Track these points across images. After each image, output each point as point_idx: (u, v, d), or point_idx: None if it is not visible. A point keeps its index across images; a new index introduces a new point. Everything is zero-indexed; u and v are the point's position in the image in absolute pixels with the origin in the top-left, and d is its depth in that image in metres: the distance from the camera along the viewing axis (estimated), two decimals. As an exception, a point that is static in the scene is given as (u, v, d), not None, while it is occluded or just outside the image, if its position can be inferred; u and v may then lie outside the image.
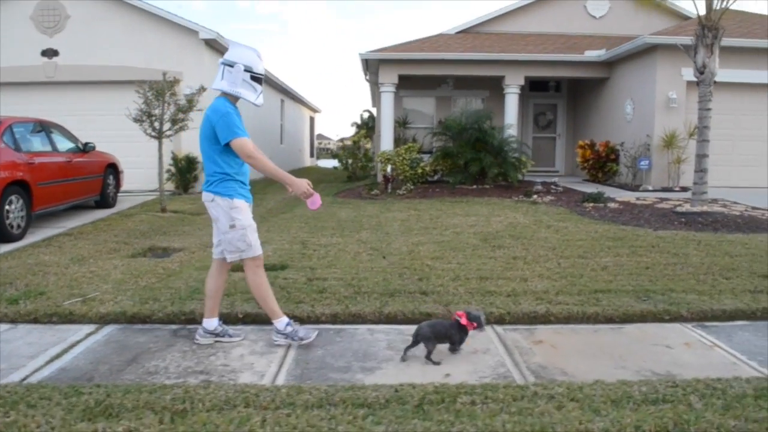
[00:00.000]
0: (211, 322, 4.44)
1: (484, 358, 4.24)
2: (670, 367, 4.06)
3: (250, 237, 4.19)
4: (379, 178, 15.61)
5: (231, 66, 4.13)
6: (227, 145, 4.04)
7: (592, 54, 15.89)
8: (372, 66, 17.22)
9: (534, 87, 19.08)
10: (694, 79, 13.34)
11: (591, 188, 13.68)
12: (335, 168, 18.57)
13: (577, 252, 7.38)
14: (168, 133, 10.89)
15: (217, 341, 4.43)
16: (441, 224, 9.50)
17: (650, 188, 13.82)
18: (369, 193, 14.21)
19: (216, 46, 15.04)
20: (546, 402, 3.33)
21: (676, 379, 3.71)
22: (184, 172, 14.12)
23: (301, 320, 4.86)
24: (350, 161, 20.15)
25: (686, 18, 17.57)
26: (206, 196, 4.24)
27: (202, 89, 11.15)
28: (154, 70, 12.92)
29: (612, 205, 11.20)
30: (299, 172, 23.73)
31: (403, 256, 7.16)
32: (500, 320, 5.03)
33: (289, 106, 25.40)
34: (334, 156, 17.46)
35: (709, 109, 9.77)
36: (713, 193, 12.70)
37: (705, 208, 9.61)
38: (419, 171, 15.00)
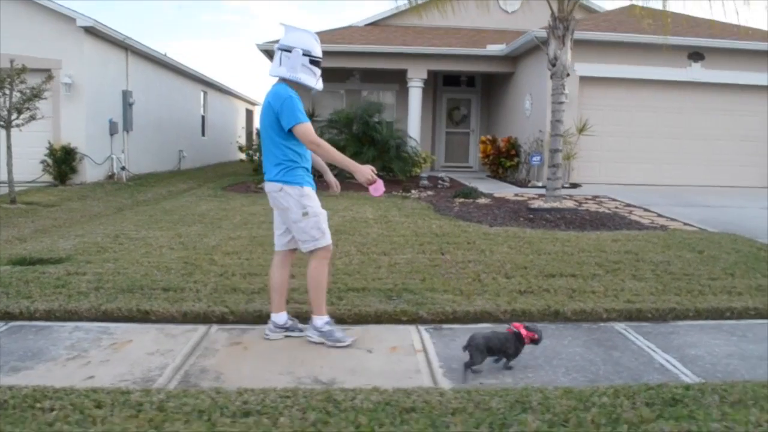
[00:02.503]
0: (280, 317, 4.34)
1: (152, 359, 3.95)
2: (341, 374, 3.74)
3: (323, 224, 4.10)
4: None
5: (288, 51, 4.00)
6: (290, 130, 3.91)
7: (494, 48, 15.60)
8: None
9: (448, 82, 18.76)
10: (588, 75, 13.21)
11: (488, 184, 13.41)
12: (241, 161, 18.04)
13: (384, 248, 7.04)
14: (18, 122, 10.36)
15: (287, 336, 4.33)
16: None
17: (540, 184, 13.55)
18: (256, 187, 13.74)
19: (97, 33, 14.44)
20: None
21: (300, 389, 3.36)
22: (61, 162, 13.54)
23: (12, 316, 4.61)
24: (259, 154, 19.58)
25: (594, 12, 17.36)
26: (272, 186, 4.10)
27: (50, 77, 10.63)
28: (32, 58, 12.37)
29: (482, 200, 10.89)
30: (216, 166, 23.27)
31: (199, 252, 6.79)
32: (222, 320, 4.70)
33: (215, 98, 24.86)
34: (239, 148, 16.86)
35: (561, 103, 9.48)
36: (601, 190, 12.51)
37: (556, 204, 9.32)
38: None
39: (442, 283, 5.56)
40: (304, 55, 4.00)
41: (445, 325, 4.75)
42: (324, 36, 16.44)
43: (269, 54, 16.47)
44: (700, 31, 14.65)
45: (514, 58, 15.90)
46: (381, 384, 3.45)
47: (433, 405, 3.17)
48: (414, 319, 4.78)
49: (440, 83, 19.03)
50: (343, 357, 4.04)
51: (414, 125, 16.00)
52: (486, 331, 3.90)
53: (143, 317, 4.71)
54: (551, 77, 9.58)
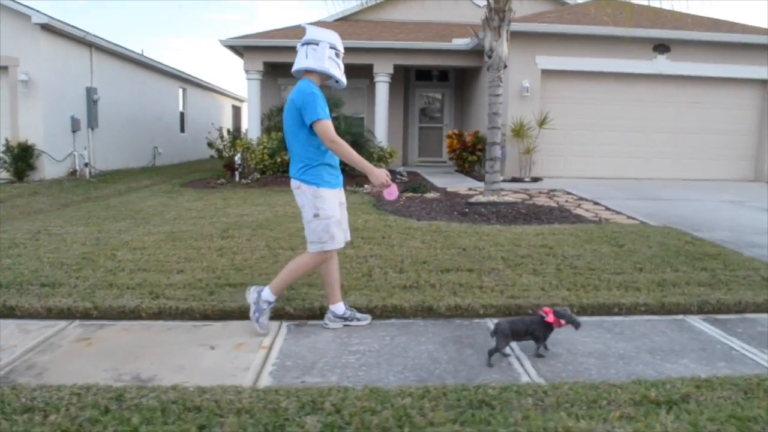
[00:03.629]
0: (339, 307, 4.38)
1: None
2: (167, 371, 3.64)
3: (334, 229, 4.09)
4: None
5: (316, 44, 4.05)
6: (311, 126, 3.91)
7: (459, 42, 15.38)
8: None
9: (420, 76, 18.58)
10: (550, 68, 13.01)
11: (450, 178, 13.24)
12: (211, 157, 17.91)
13: (294, 243, 6.89)
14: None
15: (345, 325, 4.38)
16: (220, 214, 9.05)
17: (501, 178, 13.28)
18: (216, 183, 13.62)
19: (54, 30, 14.31)
20: None
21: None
22: (17, 159, 13.46)
23: None
24: (232, 151, 19.43)
25: (563, 4, 17.12)
26: (293, 183, 4.13)
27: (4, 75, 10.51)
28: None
29: (429, 195, 10.71)
30: (195, 162, 23.17)
31: (107, 247, 6.67)
32: (86, 315, 4.60)
33: (196, 95, 24.77)
34: (208, 144, 16.74)
35: (498, 95, 9.25)
36: (562, 184, 12.34)
37: (494, 198, 9.11)
38: (278, 160, 14.44)
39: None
40: (330, 48, 4.04)
41: (311, 321, 4.60)
42: (291, 32, 16.32)
43: (235, 50, 16.33)
44: (665, 22, 14.39)
45: (481, 52, 15.61)
46: (200, 381, 3.35)
47: (220, 404, 3.03)
48: (280, 315, 4.64)
49: (413, 78, 18.84)
50: (180, 353, 3.93)
51: (381, 120, 15.81)
52: (513, 317, 4.07)
53: (9, 313, 4.62)
54: (487, 69, 9.35)
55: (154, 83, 20.53)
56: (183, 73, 22.45)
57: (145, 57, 19.72)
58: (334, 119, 13.66)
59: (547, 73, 13.70)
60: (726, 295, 5.09)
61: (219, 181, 13.74)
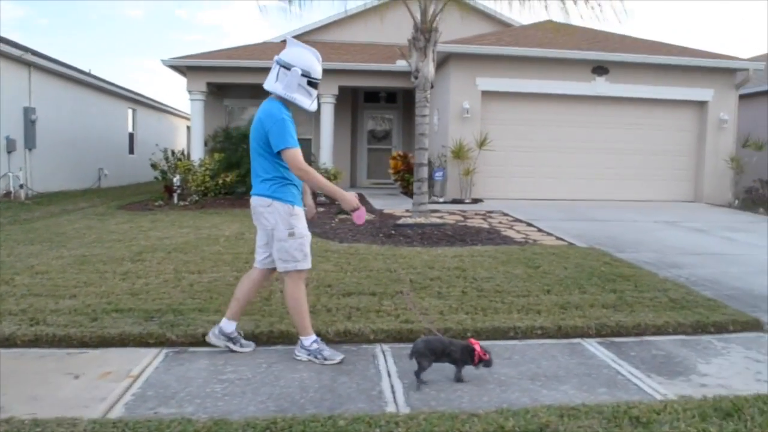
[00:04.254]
0: (230, 325, 4.23)
1: None
2: (19, 401, 3.44)
3: (307, 248, 4.02)
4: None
5: (287, 68, 3.93)
6: (278, 153, 3.84)
7: (402, 63, 15.29)
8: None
9: (369, 98, 18.54)
10: (491, 89, 13.04)
11: (391, 200, 13.20)
12: (156, 179, 17.57)
13: (202, 267, 6.72)
14: None
15: (227, 345, 4.23)
16: (141, 237, 8.81)
17: (441, 200, 13.29)
18: (153, 205, 13.32)
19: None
20: None
21: None
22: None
23: None
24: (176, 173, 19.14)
25: (508, 26, 17.26)
26: (261, 201, 3.98)
27: None
28: None
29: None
30: (143, 184, 22.73)
31: (8, 272, 6.42)
32: None
33: (147, 116, 24.42)
34: (152, 166, 16.43)
35: (424, 116, 9.19)
36: (502, 205, 12.32)
37: (421, 219, 9.01)
38: (219, 182, 14.21)
39: (219, 303, 5.19)
40: (302, 75, 3.92)
41: (192, 348, 4.40)
42: (234, 53, 16.18)
43: (179, 70, 16.12)
44: (605, 45, 14.58)
45: (427, 73, 15.65)
46: (49, 412, 3.19)
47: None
48: (162, 342, 4.44)
49: (361, 100, 18.81)
50: (40, 383, 3.72)
51: (326, 142, 15.70)
52: (430, 336, 3.96)
53: None
54: (415, 90, 9.29)
55: (100, 103, 20.18)
56: (133, 93, 22.14)
57: (91, 77, 19.40)
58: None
59: (487, 94, 13.73)
60: (627, 317, 5.03)
61: (157, 204, 13.46)
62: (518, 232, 9.54)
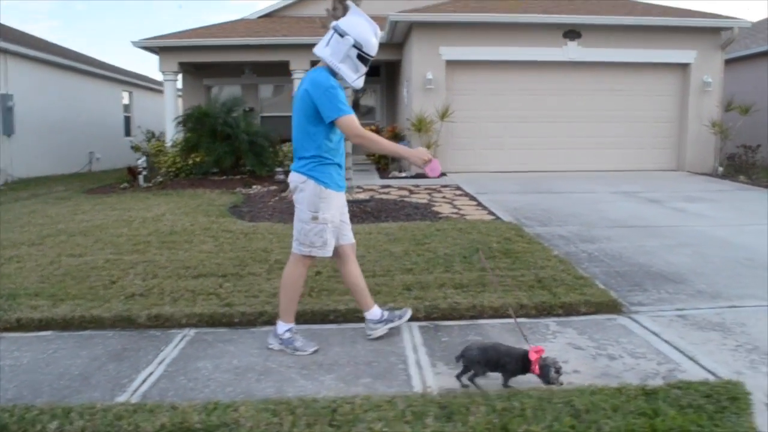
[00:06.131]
0: (373, 313, 4.12)
1: None
2: None
3: (328, 235, 3.83)
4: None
5: (341, 35, 3.68)
6: (332, 123, 3.64)
7: (382, 35, 14.93)
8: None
9: (352, 72, 18.13)
10: (456, 59, 12.61)
11: (360, 177, 12.89)
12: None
13: (91, 250, 6.58)
14: None
15: (390, 328, 4.13)
16: (69, 220, 8.78)
17: (403, 175, 12.97)
18: (119, 188, 13.33)
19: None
20: None
21: None
22: None
23: None
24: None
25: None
26: (297, 178, 3.81)
27: None
28: None
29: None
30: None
31: None
32: None
33: (145, 98, 24.47)
34: (132, 148, 16.47)
35: (346, 88, 8.81)
36: (464, 179, 11.96)
37: (360, 195, 8.78)
38: (190, 162, 14.15)
39: (63, 288, 5.06)
40: (354, 46, 3.67)
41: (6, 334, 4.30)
42: (206, 31, 16.00)
43: (150, 50, 16.02)
44: (577, 7, 13.92)
45: (399, 45, 15.26)
46: None
47: None
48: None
49: (342, 74, 18.43)
50: None
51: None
52: (486, 342, 3.66)
53: None
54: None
55: (91, 87, 20.27)
56: (130, 75, 22.18)
57: (81, 61, 19.50)
58: (231, 119, 13.45)
59: (452, 64, 13.26)
60: (467, 298, 4.70)
61: (122, 186, 13.43)
62: (454, 207, 9.21)
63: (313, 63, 4.11)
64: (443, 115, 12.71)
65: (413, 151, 3.79)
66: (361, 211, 8.32)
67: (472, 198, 10.00)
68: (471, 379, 3.31)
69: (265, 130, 13.93)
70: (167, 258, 6.11)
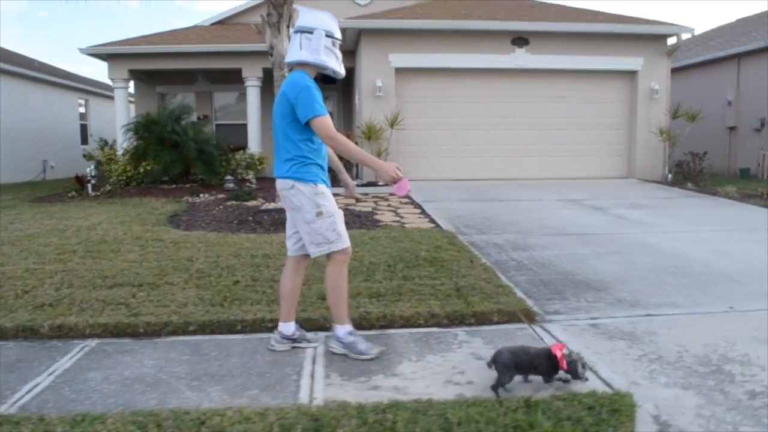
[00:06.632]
0: (288, 327, 3.99)
1: None
2: None
3: (340, 226, 3.78)
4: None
5: (310, 32, 3.71)
6: (307, 123, 3.60)
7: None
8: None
9: (305, 79, 18.05)
10: (405, 66, 12.61)
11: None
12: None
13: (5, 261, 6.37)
14: None
15: (294, 347, 3.98)
16: (4, 228, 8.63)
17: (356, 182, 12.86)
18: (67, 196, 13.10)
19: None
20: None
21: None
22: None
23: None
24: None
25: None
26: (284, 184, 3.77)
27: None
28: None
29: (250, 203, 10.26)
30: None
31: None
32: None
33: (103, 106, 24.13)
34: (84, 156, 16.21)
35: (283, 95, 8.75)
36: (415, 186, 11.80)
37: (281, 204, 8.62)
38: (141, 170, 13.97)
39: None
40: (326, 36, 3.71)
41: None
42: (157, 38, 15.85)
43: (99, 57, 15.80)
44: (525, 14, 14.03)
45: (352, 52, 15.23)
46: None
47: None
48: None
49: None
50: None
51: (254, 126, 15.32)
52: (515, 346, 3.47)
53: None
54: (273, 68, 8.89)
55: (44, 95, 19.95)
56: (85, 83, 21.88)
57: (30, 70, 19.17)
58: (177, 127, 13.30)
59: (402, 71, 13.26)
60: (379, 308, 4.65)
61: (70, 195, 13.20)
62: (397, 215, 9.19)
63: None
64: (393, 123, 12.70)
65: (384, 165, 3.71)
66: (268, 221, 8.26)
67: (418, 206, 9.98)
68: (495, 388, 3.25)
69: (215, 138, 13.82)
70: (88, 267, 5.99)
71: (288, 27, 8.86)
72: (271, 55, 8.91)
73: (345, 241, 3.82)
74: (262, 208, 8.86)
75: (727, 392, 3.28)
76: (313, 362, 3.84)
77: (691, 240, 7.53)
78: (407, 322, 4.48)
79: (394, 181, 3.67)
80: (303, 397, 3.32)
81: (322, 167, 3.83)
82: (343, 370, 3.68)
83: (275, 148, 3.85)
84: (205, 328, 4.35)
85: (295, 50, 3.76)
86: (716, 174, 16.29)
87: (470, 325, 4.50)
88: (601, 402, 3.05)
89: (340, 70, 3.84)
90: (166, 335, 4.32)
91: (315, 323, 4.33)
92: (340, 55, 3.82)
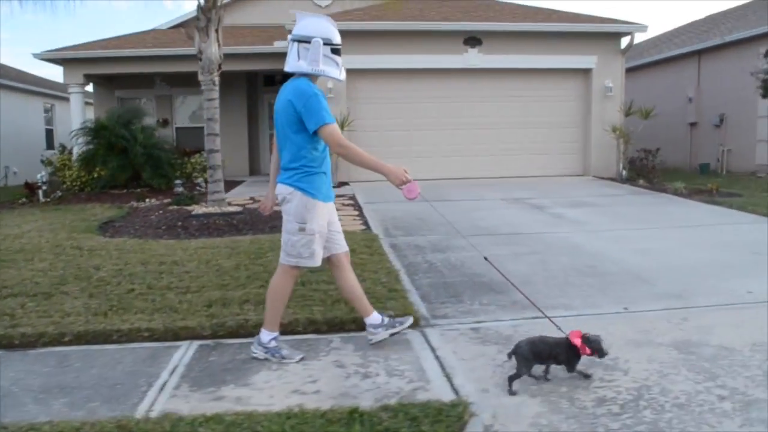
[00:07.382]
0: (373, 318, 4.07)
1: None
2: None
3: (316, 246, 3.78)
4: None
5: (307, 42, 3.65)
6: (315, 132, 3.58)
7: (280, 44, 14.86)
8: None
9: (268, 82, 18.06)
10: (357, 67, 12.58)
11: (259, 189, 12.72)
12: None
13: None
14: None
15: (390, 334, 4.07)
16: None
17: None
18: (18, 203, 13.00)
19: None
20: None
21: None
22: None
23: None
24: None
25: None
26: (284, 189, 3.75)
27: None
28: None
29: (190, 207, 10.15)
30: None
31: None
32: None
33: (68, 110, 23.94)
34: (42, 162, 16.11)
35: (212, 99, 8.76)
36: (364, 188, 11.92)
37: (214, 209, 8.63)
38: (95, 175, 13.88)
39: None
40: (325, 44, 3.66)
41: None
42: (111, 43, 15.77)
43: (53, 62, 15.70)
44: (478, 14, 14.02)
45: (311, 54, 15.14)
46: None
47: None
48: None
49: (260, 84, 18.33)
50: None
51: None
52: (533, 336, 3.52)
53: None
54: (201, 72, 8.85)
55: (5, 100, 19.80)
56: (50, 87, 21.76)
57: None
58: (126, 131, 13.23)
59: (354, 72, 13.13)
60: (260, 315, 4.60)
61: (21, 202, 13.11)
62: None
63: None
64: (343, 125, 12.66)
65: (394, 169, 3.73)
66: (226, 224, 8.23)
67: (357, 208, 9.97)
68: (511, 379, 3.30)
69: (168, 142, 13.76)
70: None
71: (216, 31, 8.81)
72: (200, 60, 8.87)
73: (316, 261, 3.83)
74: (193, 213, 8.77)
75: (576, 399, 3.23)
76: (172, 372, 3.81)
77: (616, 238, 7.53)
78: (286, 329, 4.44)
79: (404, 183, 3.70)
80: (141, 409, 3.29)
81: (326, 174, 3.85)
82: (196, 381, 3.65)
83: (280, 156, 3.83)
84: (80, 339, 4.31)
85: (292, 60, 3.72)
86: (678, 169, 16.36)
87: (350, 331, 4.47)
88: (428, 413, 3.01)
89: (341, 76, 3.83)
90: (41, 346, 4.28)
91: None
92: (340, 60, 3.78)
